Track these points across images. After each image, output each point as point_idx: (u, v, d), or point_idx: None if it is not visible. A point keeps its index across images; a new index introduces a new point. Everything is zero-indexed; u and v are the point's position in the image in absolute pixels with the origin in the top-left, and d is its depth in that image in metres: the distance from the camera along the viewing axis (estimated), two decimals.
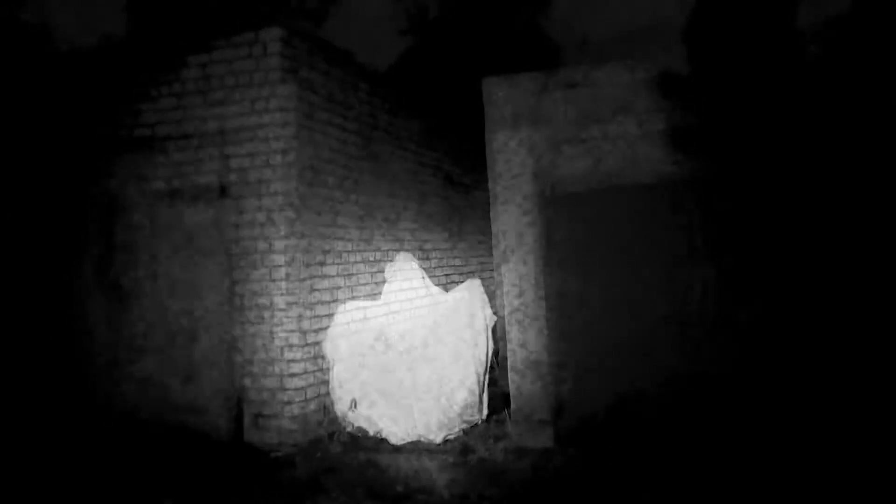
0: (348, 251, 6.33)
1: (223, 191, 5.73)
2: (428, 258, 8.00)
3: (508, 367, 5.45)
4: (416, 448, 5.42)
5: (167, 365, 5.82)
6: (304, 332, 5.56)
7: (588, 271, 5.36)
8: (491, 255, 9.14)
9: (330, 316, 5.90)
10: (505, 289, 5.52)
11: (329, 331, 5.82)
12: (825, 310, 4.91)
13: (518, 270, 5.46)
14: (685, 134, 5.21)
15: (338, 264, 6.15)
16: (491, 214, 5.79)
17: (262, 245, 5.59)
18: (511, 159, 5.53)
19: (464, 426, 5.65)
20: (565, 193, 5.42)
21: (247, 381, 5.56)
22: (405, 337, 6.04)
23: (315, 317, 5.73)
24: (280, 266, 5.52)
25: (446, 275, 8.46)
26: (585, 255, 5.36)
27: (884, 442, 4.54)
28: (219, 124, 5.74)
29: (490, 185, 5.80)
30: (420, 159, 8.01)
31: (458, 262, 8.91)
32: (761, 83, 5.19)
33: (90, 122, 6.17)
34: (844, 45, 5.74)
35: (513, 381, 5.43)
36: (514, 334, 5.45)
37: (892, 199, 4.84)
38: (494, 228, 5.70)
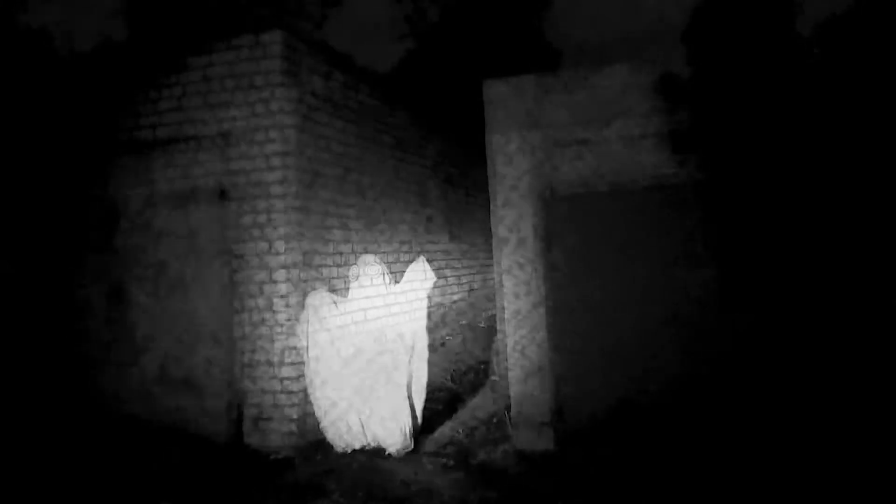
0: (349, 253, 6.30)
1: (223, 193, 5.69)
2: (429, 260, 7.97)
3: (508, 369, 5.42)
4: (416, 451, 5.39)
5: (168, 367, 5.78)
6: (304, 335, 5.53)
7: (588, 273, 5.34)
8: (491, 256, 9.08)
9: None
10: (505, 291, 5.50)
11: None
12: (825, 312, 4.89)
13: (518, 272, 5.44)
14: (685, 136, 5.20)
15: (338, 266, 6.12)
16: (491, 217, 5.77)
17: (262, 247, 5.56)
18: (511, 161, 5.51)
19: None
20: (565, 195, 5.40)
21: (247, 384, 5.53)
22: (405, 337, 6.00)
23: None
24: (280, 268, 5.49)
25: (446, 277, 8.44)
26: (585, 257, 5.34)
27: (882, 441, 4.52)
28: (219, 126, 5.71)
29: (490, 187, 5.77)
30: (420, 161, 7.99)
31: (458, 263, 8.89)
32: (762, 86, 5.17)
33: (91, 124, 6.13)
34: (845, 47, 5.72)
35: (513, 384, 5.41)
36: (513, 336, 5.43)
37: (893, 200, 4.82)
38: (494, 230, 5.68)
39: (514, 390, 5.40)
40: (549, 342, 5.36)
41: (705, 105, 5.22)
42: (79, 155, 6.17)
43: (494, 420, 5.84)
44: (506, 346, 5.49)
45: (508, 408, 5.53)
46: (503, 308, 5.54)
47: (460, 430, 5.68)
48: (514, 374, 5.41)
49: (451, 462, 5.11)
